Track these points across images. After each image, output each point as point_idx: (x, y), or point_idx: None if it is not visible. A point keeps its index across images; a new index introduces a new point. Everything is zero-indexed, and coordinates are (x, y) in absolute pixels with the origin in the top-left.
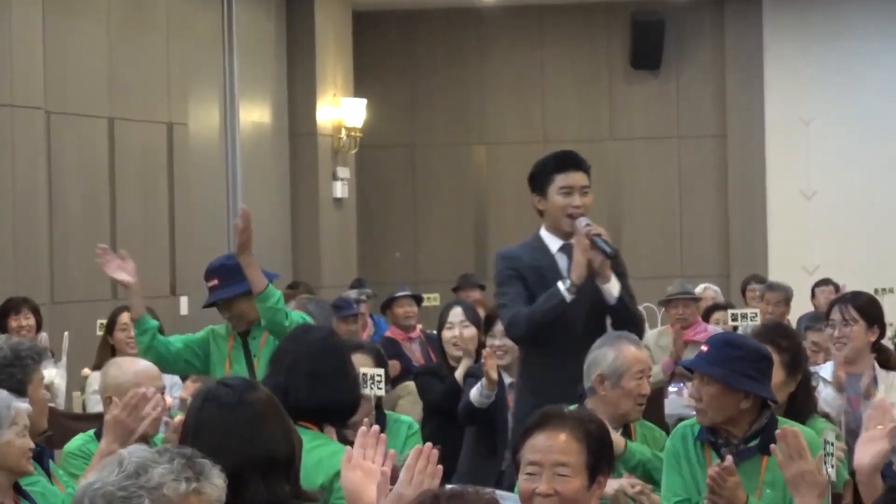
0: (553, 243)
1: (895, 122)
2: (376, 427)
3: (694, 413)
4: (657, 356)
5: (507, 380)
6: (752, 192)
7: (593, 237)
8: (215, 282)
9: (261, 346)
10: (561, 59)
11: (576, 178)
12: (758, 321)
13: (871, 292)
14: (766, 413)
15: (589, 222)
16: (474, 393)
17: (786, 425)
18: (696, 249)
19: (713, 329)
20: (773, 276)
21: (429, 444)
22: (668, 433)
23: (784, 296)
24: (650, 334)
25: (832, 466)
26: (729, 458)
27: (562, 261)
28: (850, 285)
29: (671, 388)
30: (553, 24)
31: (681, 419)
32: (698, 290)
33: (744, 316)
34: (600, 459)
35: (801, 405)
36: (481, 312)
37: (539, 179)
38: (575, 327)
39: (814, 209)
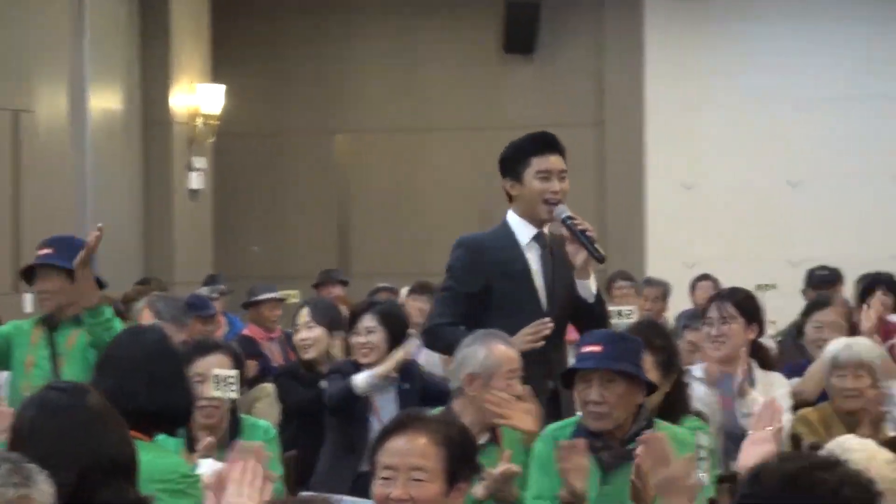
0: (523, 233)
1: (781, 109)
2: (255, 463)
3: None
4: None
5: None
6: (631, 182)
7: (579, 232)
8: (49, 250)
9: (69, 345)
10: (432, 43)
11: (554, 161)
12: (634, 318)
13: (754, 288)
14: (643, 414)
15: (570, 214)
16: (362, 379)
17: (648, 431)
18: None
19: None
20: (652, 270)
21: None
22: None
23: (662, 291)
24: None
25: (705, 471)
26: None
27: (532, 253)
28: (732, 280)
29: None
30: (423, 8)
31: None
32: None
33: (619, 313)
34: (460, 465)
35: (676, 405)
36: (345, 310)
37: (513, 162)
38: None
39: (695, 200)
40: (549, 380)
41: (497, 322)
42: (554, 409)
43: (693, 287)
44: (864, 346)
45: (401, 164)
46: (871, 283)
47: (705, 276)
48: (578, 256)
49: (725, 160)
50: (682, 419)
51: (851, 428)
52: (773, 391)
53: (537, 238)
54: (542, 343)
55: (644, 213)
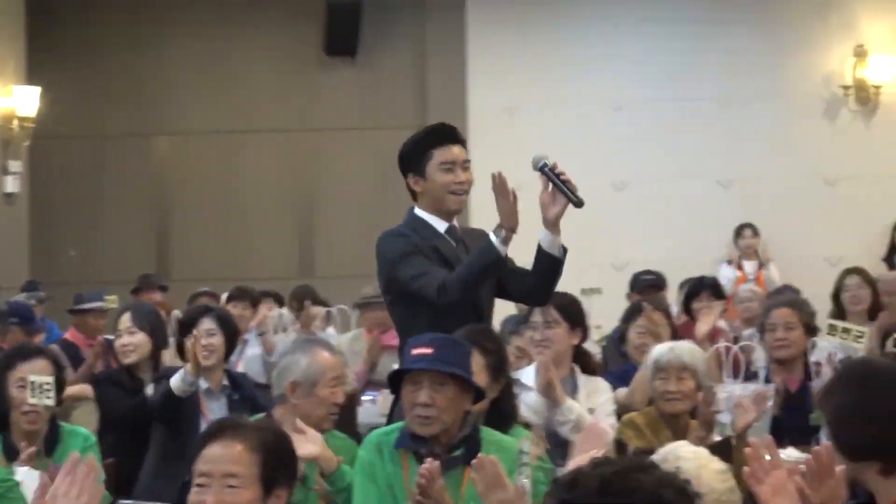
0: (437, 224)
1: (602, 108)
2: (86, 459)
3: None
4: (351, 363)
5: (204, 385)
6: None
7: (559, 180)
8: None
9: None
10: (253, 44)
11: (456, 151)
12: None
13: (579, 292)
14: (469, 420)
15: (548, 161)
16: (176, 379)
17: (482, 454)
18: None
19: None
20: None
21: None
22: (359, 443)
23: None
24: (343, 338)
25: (527, 477)
26: (430, 461)
27: (445, 246)
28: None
29: (365, 397)
30: (245, 8)
31: (373, 429)
32: None
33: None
34: (277, 471)
35: (504, 412)
36: (165, 315)
37: (413, 158)
38: (482, 302)
39: (520, 203)
40: None
41: (425, 311)
42: None
43: None
44: (687, 350)
45: (220, 167)
46: (695, 288)
47: None
48: (553, 208)
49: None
50: (509, 427)
51: (677, 431)
52: (596, 397)
53: (449, 231)
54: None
55: (468, 216)
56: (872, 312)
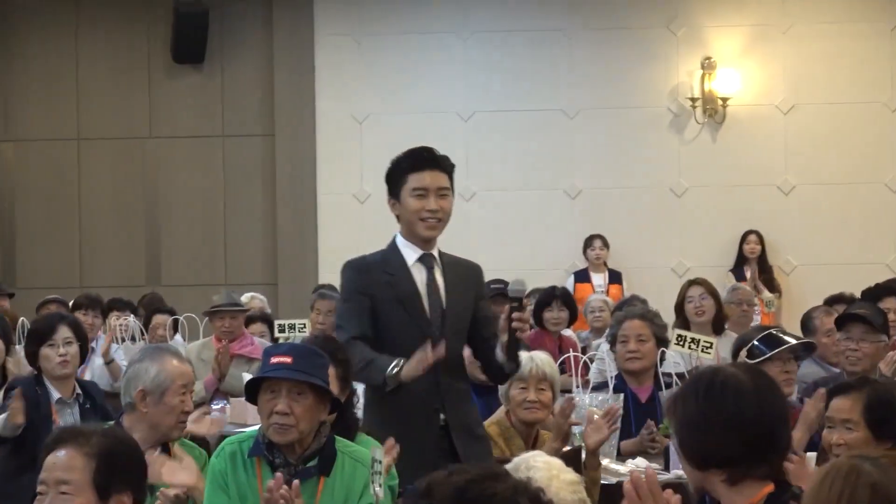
0: (410, 254)
1: (450, 118)
2: None
3: (239, 430)
4: (200, 371)
5: (56, 395)
6: (303, 195)
7: (510, 328)
8: None
9: None
10: (98, 50)
11: (432, 177)
12: (307, 332)
13: None
14: (324, 431)
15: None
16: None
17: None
18: (243, 256)
19: (260, 342)
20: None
21: None
22: (209, 452)
23: (335, 305)
24: (193, 347)
25: (379, 485)
26: (278, 476)
27: (419, 275)
28: None
29: (214, 406)
30: (90, 13)
31: (222, 437)
32: (244, 299)
33: (291, 327)
34: (113, 477)
35: (349, 421)
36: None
37: (393, 180)
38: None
39: (368, 213)
40: (440, 412)
41: (386, 344)
42: (447, 443)
43: None
44: (546, 361)
45: (66, 174)
46: (545, 298)
47: None
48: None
49: None
50: (354, 435)
51: (529, 440)
52: None
53: (423, 259)
54: (428, 367)
55: (317, 225)
56: (716, 323)
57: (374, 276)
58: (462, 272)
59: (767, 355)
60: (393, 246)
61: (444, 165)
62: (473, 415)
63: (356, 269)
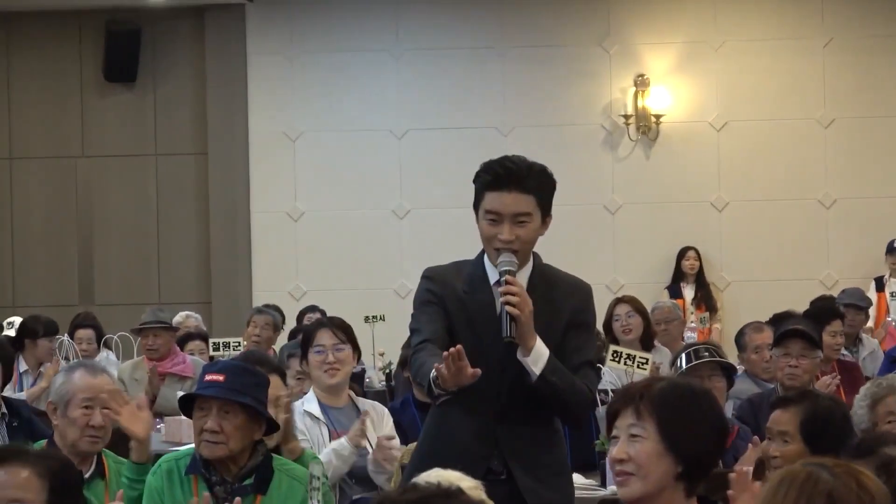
0: (492, 272)
1: (380, 136)
2: None
3: (174, 448)
4: (133, 390)
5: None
6: (236, 213)
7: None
8: None
9: None
10: (29, 69)
11: (507, 201)
12: (241, 349)
13: (363, 320)
14: (261, 449)
15: (508, 276)
16: None
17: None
18: (177, 275)
19: (192, 360)
20: (258, 301)
21: None
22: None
23: (272, 320)
24: (125, 366)
25: (318, 501)
26: (206, 496)
27: (499, 295)
28: (340, 311)
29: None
30: (20, 32)
31: (159, 455)
32: (179, 318)
33: (226, 345)
34: (63, 497)
35: (287, 437)
36: None
37: (475, 193)
38: (499, 391)
39: (301, 231)
40: (493, 460)
41: None
42: (508, 493)
43: (300, 318)
44: None
45: None
46: None
47: (313, 308)
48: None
49: (330, 190)
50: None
51: None
52: (382, 424)
53: (500, 284)
54: (468, 376)
55: (250, 243)
56: (645, 340)
57: (450, 289)
58: (559, 294)
59: (682, 369)
60: (475, 260)
61: (527, 185)
62: (551, 464)
63: (430, 278)
